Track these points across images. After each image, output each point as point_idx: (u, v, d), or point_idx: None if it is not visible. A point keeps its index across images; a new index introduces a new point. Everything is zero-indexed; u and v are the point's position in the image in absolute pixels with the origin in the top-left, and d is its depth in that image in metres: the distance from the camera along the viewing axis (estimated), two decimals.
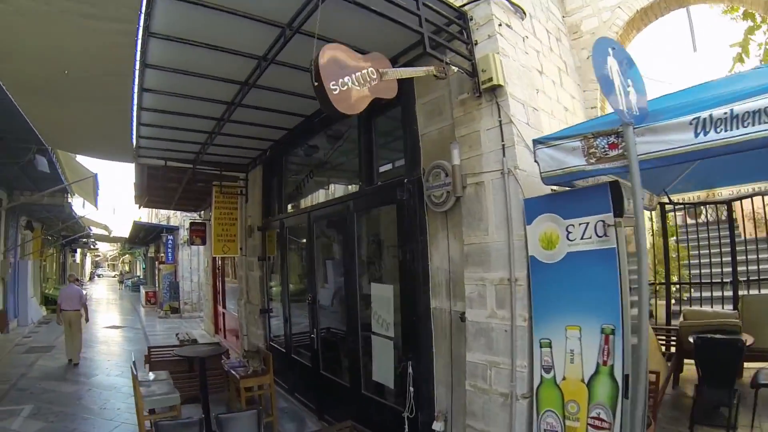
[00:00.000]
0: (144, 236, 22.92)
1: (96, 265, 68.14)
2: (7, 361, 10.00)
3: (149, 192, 11.25)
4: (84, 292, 11.42)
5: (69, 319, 9.76)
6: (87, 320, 10.54)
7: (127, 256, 45.13)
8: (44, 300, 19.48)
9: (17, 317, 14.66)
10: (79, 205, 15.30)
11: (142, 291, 24.38)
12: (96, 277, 56.00)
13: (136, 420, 5.13)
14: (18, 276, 14.78)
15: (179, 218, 19.06)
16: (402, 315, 4.67)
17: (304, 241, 6.89)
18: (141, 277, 35.32)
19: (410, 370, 4.38)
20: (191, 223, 13.22)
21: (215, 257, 12.94)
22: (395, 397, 4.95)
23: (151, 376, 5.87)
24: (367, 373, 5.30)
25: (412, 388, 4.35)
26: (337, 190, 6.91)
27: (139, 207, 13.00)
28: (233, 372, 5.93)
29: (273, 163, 7.84)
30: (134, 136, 6.18)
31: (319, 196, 7.12)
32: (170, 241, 18.97)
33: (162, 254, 20.35)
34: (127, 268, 48.61)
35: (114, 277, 55.75)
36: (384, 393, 5.13)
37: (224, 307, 12.28)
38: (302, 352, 6.74)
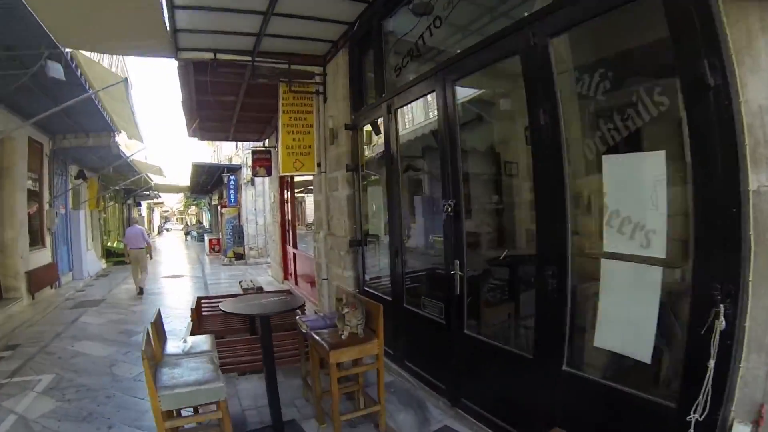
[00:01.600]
0: (206, 181, 21.11)
1: (165, 219, 68.98)
2: (49, 318, 8.58)
3: (200, 112, 9.00)
4: (146, 231, 12.42)
5: (135, 255, 11.08)
6: (151, 257, 12.34)
7: (193, 207, 44.46)
8: (105, 253, 18.27)
9: (72, 270, 13.42)
10: (127, 145, 13.51)
11: (207, 239, 22.99)
12: (164, 231, 56.27)
13: None
14: (71, 228, 13.59)
15: (241, 157, 17.02)
16: (680, 213, 2.32)
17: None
18: (207, 227, 34.38)
19: (721, 324, 1.92)
20: (253, 151, 11.00)
21: (283, 191, 10.72)
22: (647, 382, 2.54)
23: (185, 344, 3.52)
24: (579, 334, 2.83)
25: (712, 364, 1.94)
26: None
27: (191, 135, 10.82)
28: (317, 337, 3.60)
29: (366, 37, 5.30)
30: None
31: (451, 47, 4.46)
32: (232, 182, 17.00)
33: (225, 199, 18.50)
34: (194, 220, 48.09)
35: (182, 230, 55.85)
36: (621, 372, 2.65)
37: (295, 246, 10.07)
38: (426, 302, 4.30)
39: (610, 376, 2.69)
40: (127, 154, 13.35)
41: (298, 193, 13.92)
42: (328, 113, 6.27)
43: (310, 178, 7.38)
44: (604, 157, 2.64)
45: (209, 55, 5.80)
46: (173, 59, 5.86)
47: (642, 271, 2.41)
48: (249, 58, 5.91)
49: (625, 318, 2.53)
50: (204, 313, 6.27)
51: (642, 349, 2.37)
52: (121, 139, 12.56)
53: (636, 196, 2.45)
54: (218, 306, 4.22)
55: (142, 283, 11.15)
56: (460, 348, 3.77)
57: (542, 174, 2.89)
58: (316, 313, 5.70)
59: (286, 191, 10.58)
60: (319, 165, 6.60)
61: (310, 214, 17.41)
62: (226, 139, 11.98)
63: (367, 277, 5.55)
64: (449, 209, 3.74)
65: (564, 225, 2.76)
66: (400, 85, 4.58)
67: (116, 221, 24.16)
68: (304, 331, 3.95)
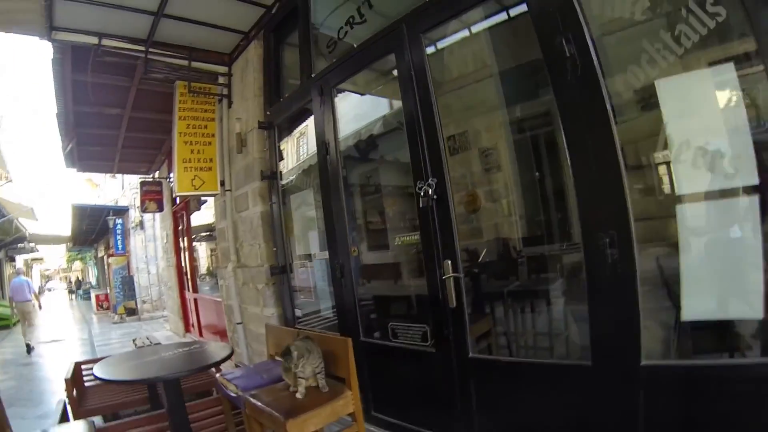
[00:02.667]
0: (89, 228, 18.46)
1: (47, 278, 61.92)
2: None
3: (79, 130, 7.35)
4: (32, 282, 11.32)
5: (21, 309, 10.11)
6: (40, 308, 11.42)
7: (77, 263, 39.87)
8: None
9: None
10: None
11: (93, 296, 20.08)
12: (46, 291, 50.17)
13: None
14: None
15: (128, 198, 14.93)
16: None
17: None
18: (93, 283, 30.68)
19: None
20: (142, 182, 9.30)
21: (178, 227, 9.09)
22: None
23: None
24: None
25: None
26: None
27: (69, 165, 9.00)
28: (258, 404, 2.41)
29: (288, 18, 4.27)
30: None
31: None
32: (119, 227, 14.81)
33: (112, 248, 16.12)
34: (79, 276, 43.11)
35: (66, 289, 49.99)
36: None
37: (195, 291, 8.41)
38: (398, 329, 3.16)
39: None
40: None
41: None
42: (235, 116, 5.01)
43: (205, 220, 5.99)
44: (658, 82, 2.10)
45: (93, 40, 4.37)
46: (47, 40, 4.33)
47: (732, 206, 1.97)
48: (142, 48, 4.57)
49: (720, 272, 2.03)
50: (87, 384, 4.62)
51: (753, 303, 1.86)
52: None
53: (707, 120, 2.03)
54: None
55: (30, 340, 10.02)
56: (467, 378, 2.68)
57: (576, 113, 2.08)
58: (238, 366, 4.28)
59: (181, 226, 8.95)
60: (222, 183, 5.27)
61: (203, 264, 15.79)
62: (110, 171, 10.13)
63: (298, 313, 4.25)
64: (428, 192, 2.64)
65: (618, 174, 2.03)
66: (339, 58, 3.48)
67: None
68: (233, 394, 2.66)
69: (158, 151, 8.91)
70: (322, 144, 3.59)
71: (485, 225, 4.65)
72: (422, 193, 2.74)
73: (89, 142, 8.11)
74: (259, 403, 2.40)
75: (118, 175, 15.15)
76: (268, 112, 4.51)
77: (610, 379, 2.10)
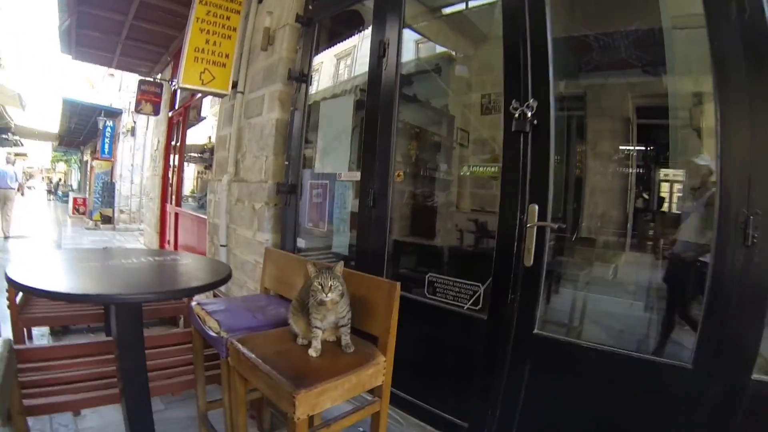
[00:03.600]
0: (78, 128, 17.38)
1: (29, 176, 60.17)
2: None
3: (80, 5, 6.46)
4: (18, 172, 11.61)
5: (4, 195, 10.31)
6: (23, 194, 12.32)
7: (62, 164, 38.53)
8: None
9: None
10: None
11: (71, 198, 19.13)
12: (27, 189, 48.53)
13: None
14: None
15: (125, 101, 13.93)
16: None
17: None
18: (75, 188, 29.61)
19: None
20: (141, 80, 8.45)
21: (171, 133, 8.26)
22: None
23: None
24: None
25: None
26: None
27: (65, 51, 8.10)
28: (251, 354, 1.78)
29: None
30: None
31: None
32: (109, 129, 13.84)
33: (98, 151, 15.13)
34: (62, 179, 41.68)
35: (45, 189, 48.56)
36: None
37: (178, 204, 7.65)
38: (439, 283, 2.51)
39: None
40: None
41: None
42: (266, 9, 4.21)
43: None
44: None
45: None
46: None
47: None
48: None
49: None
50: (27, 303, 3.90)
51: None
52: None
53: None
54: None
55: (8, 228, 10.55)
56: (523, 360, 2.08)
57: None
58: (217, 297, 3.58)
59: (175, 134, 8.12)
60: (234, 85, 4.50)
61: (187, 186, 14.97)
62: (108, 64, 9.14)
63: (301, 244, 3.54)
64: (524, 116, 1.96)
65: None
66: None
67: None
68: (212, 333, 2.03)
69: (165, 50, 8.01)
70: (378, 44, 2.84)
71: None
72: (517, 115, 2.04)
73: (90, 25, 7.19)
74: (253, 356, 1.74)
75: (117, 75, 14.14)
76: (310, 6, 3.74)
77: (711, 390, 1.62)
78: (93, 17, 6.85)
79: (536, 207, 1.99)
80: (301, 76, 3.61)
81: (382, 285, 1.92)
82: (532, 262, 1.98)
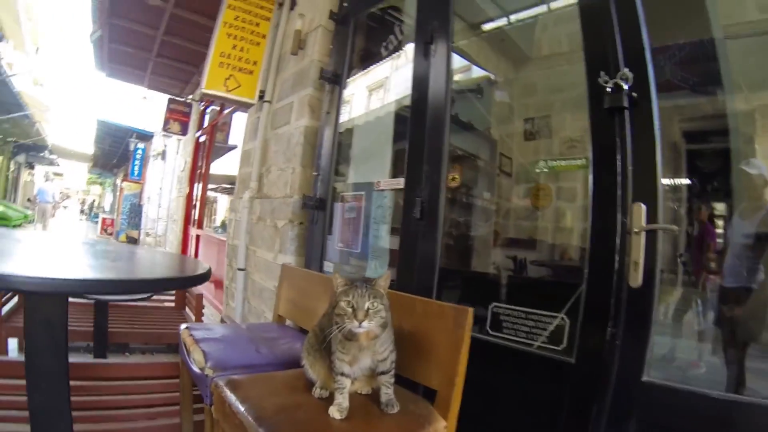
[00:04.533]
0: (111, 150, 17.44)
1: (65, 196, 61.61)
2: None
3: (111, 17, 6.28)
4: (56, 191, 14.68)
5: (42, 209, 13.10)
6: (53, 215, 14.18)
7: (96, 187, 39.16)
8: None
9: None
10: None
11: (101, 219, 19.12)
12: (62, 208, 49.64)
13: None
14: None
15: (157, 125, 13.82)
16: None
17: None
18: (106, 209, 29.91)
19: None
20: (171, 99, 8.21)
21: (198, 155, 7.93)
22: None
23: None
24: None
25: None
26: None
27: (99, 68, 7.96)
28: (244, 414, 1.23)
29: None
30: None
31: None
32: (140, 152, 13.73)
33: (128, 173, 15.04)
34: (96, 200, 42.34)
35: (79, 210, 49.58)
36: None
37: (200, 227, 7.24)
38: (506, 316, 1.90)
39: None
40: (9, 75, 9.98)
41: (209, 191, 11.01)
42: (298, 12, 3.81)
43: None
44: None
45: None
46: None
47: None
48: None
49: None
50: None
51: None
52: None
53: None
54: None
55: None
56: (627, 417, 1.49)
57: None
58: (224, 321, 3.06)
59: (202, 155, 7.78)
60: (261, 96, 4.08)
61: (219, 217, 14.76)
62: (140, 82, 8.97)
63: (328, 268, 2.97)
64: (620, 88, 1.47)
65: None
66: None
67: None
68: (195, 369, 1.55)
69: (195, 69, 7.78)
70: (425, 31, 2.36)
71: None
72: (609, 88, 1.52)
73: (121, 39, 7.03)
74: (242, 409, 1.23)
75: (150, 98, 14.12)
76: (345, 3, 3.31)
77: None
78: (124, 30, 6.66)
79: (643, 206, 1.43)
80: (335, 77, 3.15)
81: (445, 312, 1.37)
82: (640, 281, 1.40)
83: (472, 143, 4.86)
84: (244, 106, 4.44)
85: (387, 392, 1.31)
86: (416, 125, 2.28)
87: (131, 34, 6.79)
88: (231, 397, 1.28)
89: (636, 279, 1.42)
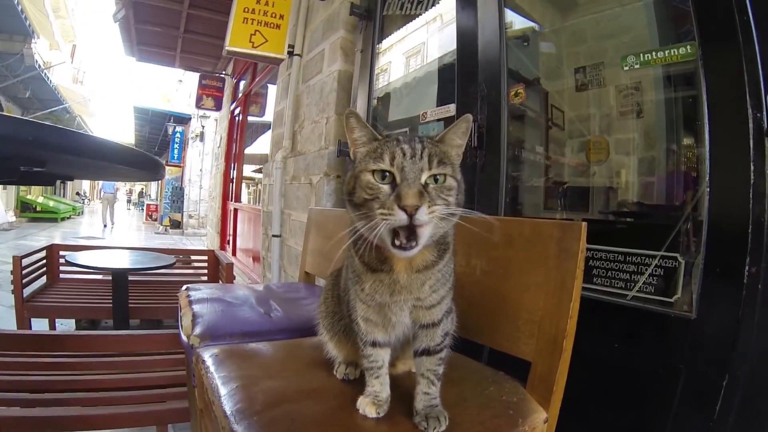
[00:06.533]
0: (152, 136, 17.59)
1: (116, 189, 63.47)
2: None
3: None
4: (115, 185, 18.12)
5: (107, 199, 14.79)
6: (117, 200, 16.93)
7: None
8: (20, 205, 14.61)
9: None
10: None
11: (145, 206, 19.51)
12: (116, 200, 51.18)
13: None
14: None
15: (194, 107, 13.80)
16: None
17: None
18: (152, 197, 30.59)
19: None
20: (202, 76, 8.00)
21: (233, 130, 7.72)
22: None
23: None
24: None
25: None
26: None
27: (129, 53, 7.82)
28: (222, 404, 0.81)
29: None
30: None
31: None
32: (178, 135, 13.73)
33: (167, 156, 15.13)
34: (143, 190, 43.44)
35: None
36: None
37: (237, 200, 7.06)
38: (608, 266, 1.47)
39: None
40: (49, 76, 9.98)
41: (255, 172, 10.83)
42: None
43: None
44: None
45: None
46: None
47: None
48: None
49: None
50: (62, 276, 3.51)
51: None
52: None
53: None
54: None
55: (109, 220, 14.54)
56: None
57: None
58: (251, 284, 2.80)
59: (237, 128, 7.57)
60: (291, 50, 3.76)
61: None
62: (171, 63, 8.82)
63: None
64: None
65: None
66: None
67: None
68: (183, 337, 1.14)
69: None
70: None
71: None
72: None
73: (147, 19, 6.86)
74: (220, 394, 0.81)
75: (185, 82, 14.07)
76: None
77: None
78: (149, 8, 6.47)
79: None
80: (367, 13, 2.79)
81: (542, 232, 0.91)
82: None
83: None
84: (272, 63, 4.14)
85: (428, 391, 0.76)
86: (464, 44, 1.90)
87: (156, 11, 6.57)
88: (212, 376, 0.89)
89: None
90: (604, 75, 4.08)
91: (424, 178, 0.66)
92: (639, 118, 2.38)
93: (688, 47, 1.41)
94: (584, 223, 0.84)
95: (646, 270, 1.37)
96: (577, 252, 0.83)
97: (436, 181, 0.68)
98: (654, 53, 1.59)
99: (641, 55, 1.68)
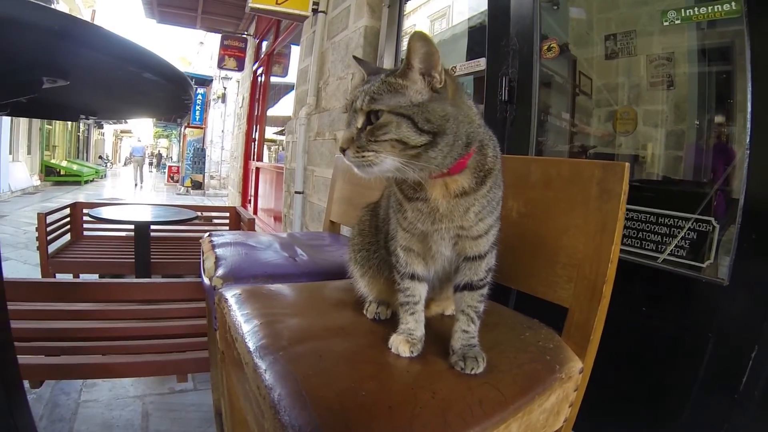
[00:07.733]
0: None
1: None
2: None
3: None
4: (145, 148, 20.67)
5: (138, 161, 17.04)
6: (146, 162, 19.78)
7: (163, 140, 40.29)
8: (44, 169, 14.84)
9: None
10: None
11: (167, 167, 19.66)
12: (129, 162, 51.84)
13: None
14: None
15: (215, 69, 13.75)
16: None
17: None
18: (174, 159, 30.84)
19: None
20: (224, 37, 7.94)
21: (255, 89, 7.71)
22: None
23: None
24: None
25: None
26: None
27: (149, 15, 7.76)
28: (247, 345, 0.76)
29: None
30: None
31: None
32: (199, 96, 13.73)
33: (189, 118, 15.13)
34: (164, 152, 43.85)
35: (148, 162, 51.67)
36: None
37: (259, 159, 7.12)
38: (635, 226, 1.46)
39: None
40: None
41: (276, 134, 10.79)
42: None
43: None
44: None
45: None
46: None
47: None
48: None
49: None
50: (85, 234, 3.64)
51: None
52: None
53: None
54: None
55: (139, 180, 16.60)
56: None
57: None
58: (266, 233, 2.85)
59: (259, 88, 7.56)
60: (315, 8, 3.72)
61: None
62: (192, 24, 8.75)
63: None
64: None
65: None
66: None
67: (68, 137, 20.37)
68: (205, 280, 1.13)
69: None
70: None
71: None
72: None
73: None
74: (243, 332, 0.79)
75: (207, 44, 13.98)
76: None
77: None
78: None
79: None
80: None
81: (582, 172, 0.88)
82: None
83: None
84: (296, 20, 4.10)
85: (467, 329, 0.75)
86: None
87: None
88: (234, 314, 0.87)
89: None
90: (635, 43, 3.98)
91: (360, 121, 0.65)
92: (670, 89, 2.34)
93: (733, 3, 1.37)
94: (627, 164, 0.81)
95: (679, 233, 1.37)
96: (620, 193, 0.81)
97: (371, 122, 0.64)
98: (696, 9, 1.55)
99: (682, 10, 1.64)
